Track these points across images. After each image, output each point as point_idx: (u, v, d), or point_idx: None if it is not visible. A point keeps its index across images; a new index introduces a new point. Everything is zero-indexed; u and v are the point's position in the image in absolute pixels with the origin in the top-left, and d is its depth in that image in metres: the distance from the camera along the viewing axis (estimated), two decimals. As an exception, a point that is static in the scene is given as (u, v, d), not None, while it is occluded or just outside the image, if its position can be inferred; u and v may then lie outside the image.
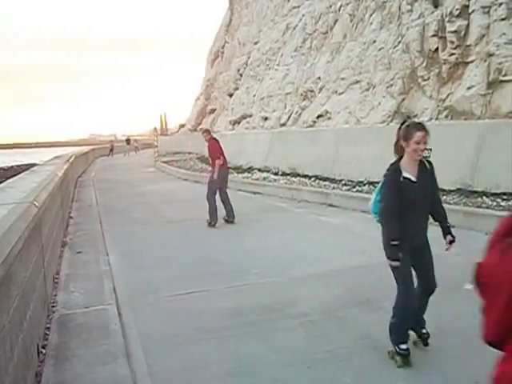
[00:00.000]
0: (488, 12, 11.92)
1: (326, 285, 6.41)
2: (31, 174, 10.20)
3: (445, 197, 10.79)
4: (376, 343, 4.58)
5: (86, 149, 40.96)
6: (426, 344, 4.45)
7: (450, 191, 11.03)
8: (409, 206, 4.20)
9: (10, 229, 3.74)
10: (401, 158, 4.33)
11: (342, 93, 17.77)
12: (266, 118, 23.37)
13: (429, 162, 4.58)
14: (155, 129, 42.06)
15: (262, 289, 6.38)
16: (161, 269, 7.54)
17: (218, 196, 10.89)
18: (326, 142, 16.49)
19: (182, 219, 11.90)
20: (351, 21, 18.33)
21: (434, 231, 9.41)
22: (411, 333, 4.41)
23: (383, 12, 16.37)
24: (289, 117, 21.28)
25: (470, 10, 12.44)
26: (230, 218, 10.89)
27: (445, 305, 5.45)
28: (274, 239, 9.15)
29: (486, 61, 11.95)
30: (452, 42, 12.83)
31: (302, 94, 20.71)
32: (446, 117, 12.99)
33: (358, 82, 17.02)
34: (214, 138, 11.26)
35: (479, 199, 10.07)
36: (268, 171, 18.71)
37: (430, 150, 13.44)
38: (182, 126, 52.52)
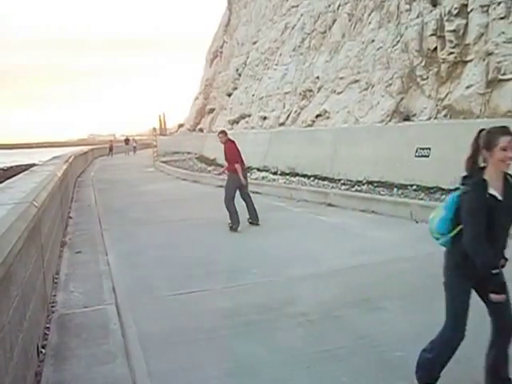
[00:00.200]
0: (487, 11, 11.92)
1: (325, 284, 6.41)
2: (30, 174, 10.20)
3: (444, 196, 10.80)
4: (375, 343, 4.58)
5: (85, 149, 40.91)
6: None
7: (450, 190, 10.99)
8: (489, 229, 3.42)
9: (9, 229, 3.74)
10: (480, 168, 3.61)
11: (341, 92, 17.77)
12: (264, 118, 23.38)
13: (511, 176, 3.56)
14: (154, 129, 42.12)
15: (261, 288, 6.39)
16: (160, 268, 7.55)
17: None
18: (325, 142, 16.50)
19: (181, 219, 11.90)
20: (350, 20, 18.33)
21: (427, 228, 9.41)
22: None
23: (382, 11, 16.37)
24: (287, 116, 21.28)
25: (468, 9, 12.44)
26: (254, 220, 10.47)
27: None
28: (273, 239, 9.16)
29: (484, 60, 11.96)
30: (451, 41, 12.83)
31: (300, 94, 20.71)
32: (445, 116, 12.99)
33: (356, 81, 17.02)
34: (231, 140, 10.77)
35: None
36: (267, 171, 18.72)
37: (429, 149, 13.54)
38: (181, 125, 52.53)
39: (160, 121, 64.04)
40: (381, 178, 13.35)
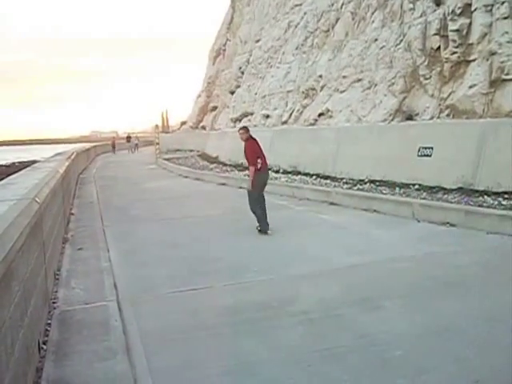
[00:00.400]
0: (490, 10, 11.91)
1: (326, 283, 6.41)
2: (33, 170, 10.23)
3: (446, 195, 10.80)
4: (375, 342, 4.58)
5: (87, 146, 40.93)
6: None
7: (452, 190, 11.03)
8: None
9: (11, 225, 3.75)
10: None
11: (344, 91, 17.76)
12: (267, 116, 23.38)
13: None
14: (156, 126, 42.10)
15: (262, 286, 6.39)
16: (161, 266, 7.55)
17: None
18: (327, 141, 16.49)
19: (183, 216, 11.91)
20: (353, 19, 18.32)
21: (429, 228, 9.44)
22: None
23: (385, 10, 16.36)
24: (290, 115, 21.28)
25: (472, 9, 12.43)
26: (262, 227, 9.56)
27: (445, 303, 5.46)
28: (274, 237, 9.16)
29: (488, 59, 11.95)
30: (454, 41, 12.82)
31: (303, 92, 20.70)
32: (448, 115, 12.99)
33: (359, 80, 17.01)
34: (253, 138, 9.83)
35: (480, 198, 10.08)
36: (269, 169, 18.69)
37: (432, 148, 13.50)
38: (184, 123, 52.53)
39: (162, 118, 64.21)
40: (383, 177, 13.34)
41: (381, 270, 6.84)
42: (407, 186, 12.23)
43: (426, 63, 13.99)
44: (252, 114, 25.87)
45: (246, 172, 19.37)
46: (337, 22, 19.51)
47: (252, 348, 4.60)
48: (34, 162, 24.26)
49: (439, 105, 13.36)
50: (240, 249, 8.42)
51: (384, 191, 12.23)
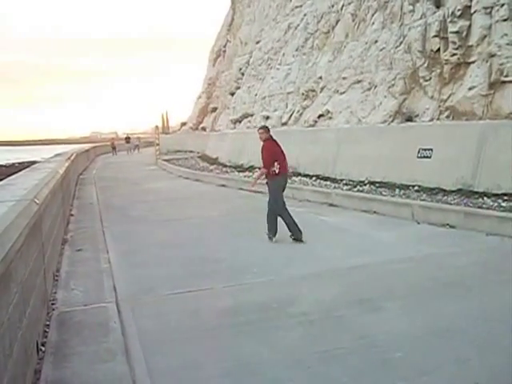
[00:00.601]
0: (490, 13, 11.90)
1: (326, 284, 6.41)
2: (32, 171, 10.22)
3: (446, 197, 10.80)
4: (375, 343, 4.58)
5: (87, 146, 40.95)
6: None
7: (451, 191, 11.04)
8: None
9: (10, 226, 3.75)
10: None
11: (344, 92, 17.76)
12: (267, 118, 23.36)
13: None
14: (157, 127, 42.11)
15: (261, 288, 6.39)
16: (160, 267, 7.55)
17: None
18: (327, 142, 16.49)
19: (183, 217, 11.90)
20: (353, 20, 18.32)
21: (428, 229, 9.44)
22: None
23: (385, 12, 16.36)
24: (290, 116, 21.27)
25: (471, 11, 12.42)
26: (270, 233, 8.93)
27: (445, 304, 5.46)
28: (274, 238, 9.15)
29: (487, 61, 11.95)
30: (454, 43, 12.82)
31: (303, 94, 20.70)
32: (448, 117, 12.98)
33: (359, 81, 17.01)
34: (272, 138, 9.07)
35: (480, 200, 10.08)
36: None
37: (431, 150, 13.51)
38: (184, 124, 52.56)
39: (163, 119, 64.24)
40: (383, 178, 13.34)
41: (381, 271, 6.84)
42: (407, 187, 12.23)
43: (425, 65, 13.99)
44: (252, 115, 25.87)
45: (247, 173, 19.44)
46: (337, 23, 19.51)
47: (252, 349, 4.60)
48: (34, 162, 24.28)
49: (439, 106, 13.36)
50: (240, 250, 8.41)
51: (384, 193, 12.23)
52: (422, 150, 12.48)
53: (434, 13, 13.79)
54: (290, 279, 6.68)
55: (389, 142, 14.00)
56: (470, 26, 12.49)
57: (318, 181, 15.32)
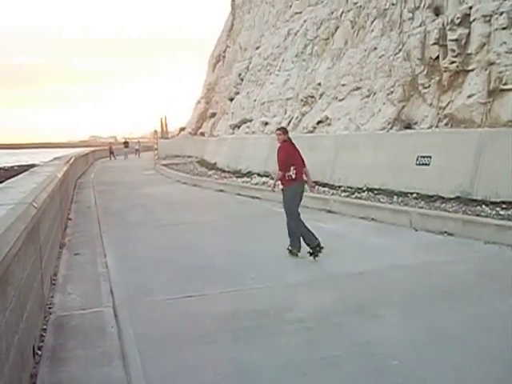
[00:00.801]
0: (489, 21, 11.95)
1: (323, 291, 6.40)
2: (31, 174, 10.20)
3: (444, 204, 10.81)
4: (372, 351, 4.57)
5: (86, 150, 40.94)
6: None
7: (450, 199, 11.04)
8: None
9: (8, 229, 3.74)
10: None
11: (343, 99, 17.79)
12: (266, 123, 23.39)
13: None
14: (155, 132, 42.11)
15: (259, 294, 6.38)
16: (158, 272, 7.54)
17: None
18: (326, 148, 16.50)
19: (181, 222, 11.90)
20: (352, 27, 18.38)
21: (426, 237, 9.43)
22: None
23: (384, 19, 16.41)
24: (289, 122, 21.29)
25: (471, 19, 12.47)
26: (293, 249, 8.13)
27: (442, 312, 5.45)
28: (272, 244, 9.13)
29: (486, 69, 11.98)
30: (453, 51, 12.86)
31: (302, 100, 20.73)
32: (446, 125, 13.00)
33: (358, 88, 17.04)
34: (290, 141, 8.37)
35: (478, 208, 10.08)
36: (267, 176, 18.71)
37: (430, 157, 13.51)
38: (183, 129, 52.57)
39: (162, 124, 64.23)
40: (381, 185, 13.35)
41: (378, 278, 6.84)
42: (405, 194, 12.24)
43: (424, 72, 14.02)
44: (251, 120, 25.89)
45: (245, 178, 19.46)
46: (336, 30, 19.57)
47: (248, 355, 4.59)
48: (33, 165, 24.26)
49: (438, 114, 13.38)
50: (238, 255, 8.40)
51: (382, 200, 12.23)
52: (421, 157, 12.50)
53: (434, 20, 13.85)
54: (287, 285, 6.67)
55: (387, 149, 14.02)
56: (469, 33, 12.54)
57: (317, 187, 15.32)
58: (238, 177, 20.12)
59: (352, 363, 4.36)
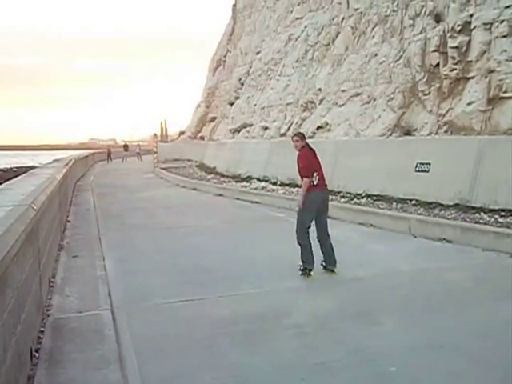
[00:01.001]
0: (489, 29, 11.99)
1: (321, 296, 6.40)
2: (30, 176, 10.21)
3: (443, 211, 10.81)
4: (370, 357, 4.56)
5: (85, 153, 40.94)
6: None
7: (449, 206, 11.05)
8: None
9: (7, 231, 3.74)
10: None
11: (343, 105, 17.81)
12: (266, 128, 23.42)
13: None
14: (155, 135, 42.11)
15: (257, 298, 6.37)
16: (156, 275, 7.53)
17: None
18: (325, 154, 16.45)
19: (179, 226, 11.90)
20: (353, 33, 18.41)
21: (425, 244, 9.43)
22: None
23: (385, 26, 16.45)
24: (289, 127, 21.31)
25: (471, 27, 12.51)
26: (329, 265, 7.45)
27: (440, 318, 5.45)
28: (271, 249, 9.14)
29: (486, 77, 12.01)
30: (453, 58, 12.90)
31: (302, 105, 20.76)
32: (446, 132, 13.03)
33: (358, 94, 17.07)
34: (309, 147, 7.81)
35: (477, 215, 10.09)
36: (267, 181, 18.73)
37: (429, 164, 13.52)
38: (182, 133, 52.58)
39: (161, 127, 64.27)
40: (380, 191, 13.36)
41: (377, 285, 6.83)
42: (404, 201, 12.25)
43: (425, 79, 14.06)
44: (251, 125, 25.92)
45: (244, 183, 19.46)
46: (337, 36, 19.61)
47: (246, 360, 4.58)
48: (32, 167, 24.25)
49: (437, 121, 13.41)
50: (236, 260, 8.39)
51: (381, 206, 12.24)
52: (420, 164, 12.51)
53: (434, 28, 13.89)
54: (285, 290, 6.67)
55: (387, 156, 14.04)
56: (469, 41, 12.57)
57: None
58: (237, 181, 20.12)
59: (350, 369, 4.35)
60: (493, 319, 5.39)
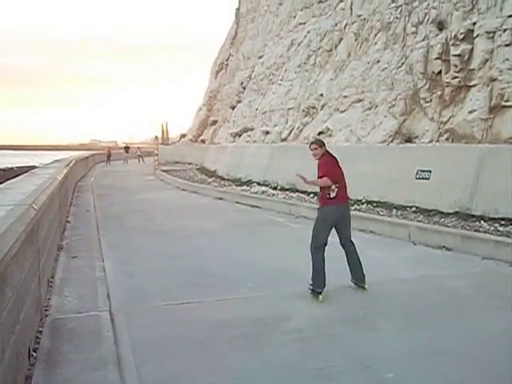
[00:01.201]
0: (492, 37, 12.02)
1: (320, 302, 6.39)
2: (31, 176, 10.21)
3: (443, 219, 10.81)
4: (368, 363, 4.56)
5: (86, 154, 40.93)
6: None
7: (449, 214, 11.05)
8: None
9: (7, 230, 3.74)
10: None
11: (344, 111, 17.84)
12: (267, 132, 23.44)
13: None
14: (156, 138, 42.15)
15: (256, 302, 6.37)
16: (155, 277, 7.53)
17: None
18: (326, 159, 16.49)
19: (179, 228, 11.89)
20: (356, 40, 18.45)
21: (425, 251, 9.43)
22: None
23: (388, 33, 16.49)
24: (290, 132, 21.34)
25: (474, 35, 12.54)
26: (358, 281, 6.87)
27: (439, 326, 5.44)
28: (270, 253, 9.14)
29: (488, 85, 12.04)
30: (455, 66, 12.92)
31: (303, 110, 20.79)
32: (447, 139, 13.04)
33: (360, 100, 17.09)
34: (330, 154, 7.00)
35: (477, 223, 10.09)
36: (267, 185, 18.73)
37: (430, 171, 13.53)
38: (183, 135, 52.60)
39: (162, 130, 64.42)
40: (380, 198, 13.36)
41: (376, 291, 6.82)
42: (404, 208, 12.25)
43: (426, 86, 14.08)
44: (252, 129, 25.94)
45: (245, 187, 19.48)
46: (340, 42, 19.65)
47: (244, 364, 4.58)
48: (33, 167, 24.26)
49: (439, 128, 13.42)
50: (236, 263, 8.39)
51: (381, 212, 12.24)
52: (421, 171, 12.51)
53: (437, 35, 13.92)
54: (284, 295, 6.66)
55: (387, 162, 14.04)
56: (472, 49, 12.60)
57: (315, 198, 15.32)
58: (237, 185, 20.12)
59: (347, 374, 4.35)
60: (492, 327, 5.39)
